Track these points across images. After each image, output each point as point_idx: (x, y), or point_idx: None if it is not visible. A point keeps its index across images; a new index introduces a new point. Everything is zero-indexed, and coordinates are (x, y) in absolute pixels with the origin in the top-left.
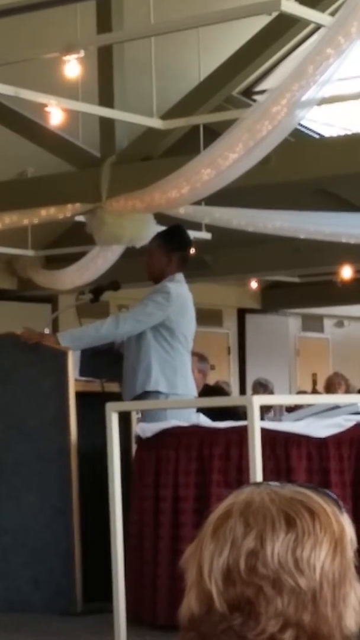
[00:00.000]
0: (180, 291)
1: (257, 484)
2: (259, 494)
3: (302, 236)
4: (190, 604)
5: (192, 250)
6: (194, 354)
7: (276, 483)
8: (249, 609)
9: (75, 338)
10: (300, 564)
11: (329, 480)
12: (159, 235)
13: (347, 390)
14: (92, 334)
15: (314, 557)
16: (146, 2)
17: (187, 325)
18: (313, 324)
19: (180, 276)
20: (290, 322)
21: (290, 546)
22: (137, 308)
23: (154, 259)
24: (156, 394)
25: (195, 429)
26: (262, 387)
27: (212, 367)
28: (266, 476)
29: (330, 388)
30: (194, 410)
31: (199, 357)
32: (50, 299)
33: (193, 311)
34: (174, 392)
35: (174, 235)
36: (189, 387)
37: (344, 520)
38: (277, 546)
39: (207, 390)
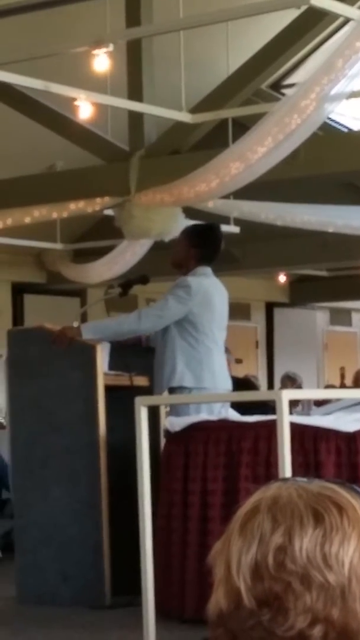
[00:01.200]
0: (202, 284)
1: (284, 480)
2: (287, 490)
3: (330, 230)
4: (218, 600)
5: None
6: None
7: (303, 479)
8: (277, 605)
9: (97, 330)
10: (328, 560)
11: (358, 475)
12: (188, 228)
13: None
14: (114, 328)
15: (343, 552)
16: None
17: (213, 317)
18: (341, 317)
19: (204, 269)
20: (319, 316)
21: (319, 542)
22: (158, 304)
23: (177, 249)
24: (181, 389)
25: (224, 423)
26: (291, 380)
27: (240, 361)
28: (295, 471)
29: (358, 382)
30: (224, 405)
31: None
32: (79, 292)
33: (221, 303)
34: (200, 386)
35: (200, 231)
36: (216, 381)
37: None
38: (305, 542)
39: (235, 384)
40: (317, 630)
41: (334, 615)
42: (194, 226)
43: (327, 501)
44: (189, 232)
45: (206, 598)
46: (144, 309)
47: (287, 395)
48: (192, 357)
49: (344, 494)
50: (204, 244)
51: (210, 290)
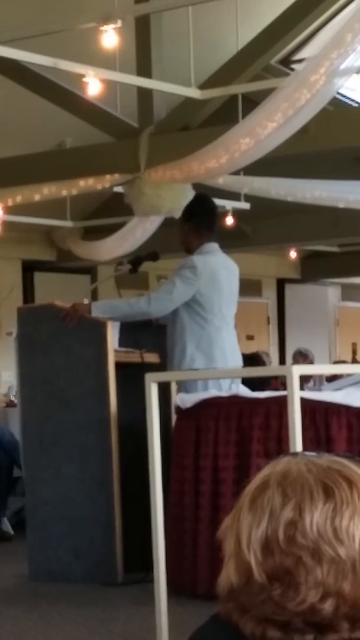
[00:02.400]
0: (208, 262)
1: (294, 455)
2: (296, 464)
3: (341, 205)
4: (229, 575)
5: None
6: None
7: (312, 453)
8: (288, 579)
9: (107, 310)
10: (339, 534)
11: None
12: (185, 210)
13: None
14: (124, 310)
15: (353, 526)
16: None
17: (221, 295)
18: (353, 293)
19: (210, 246)
20: (330, 292)
21: (329, 516)
22: (165, 286)
23: (180, 230)
24: (193, 370)
25: (235, 400)
26: (303, 356)
27: (252, 338)
28: (306, 446)
29: None
30: (234, 381)
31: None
32: (89, 270)
33: (229, 279)
34: (212, 366)
35: (189, 205)
36: (227, 359)
37: None
38: (316, 516)
39: (245, 360)
40: (329, 605)
41: (345, 589)
42: (190, 205)
43: (337, 475)
44: (185, 209)
45: (219, 573)
46: (153, 293)
47: (298, 370)
48: (202, 337)
49: (353, 467)
50: (195, 214)
51: (216, 268)
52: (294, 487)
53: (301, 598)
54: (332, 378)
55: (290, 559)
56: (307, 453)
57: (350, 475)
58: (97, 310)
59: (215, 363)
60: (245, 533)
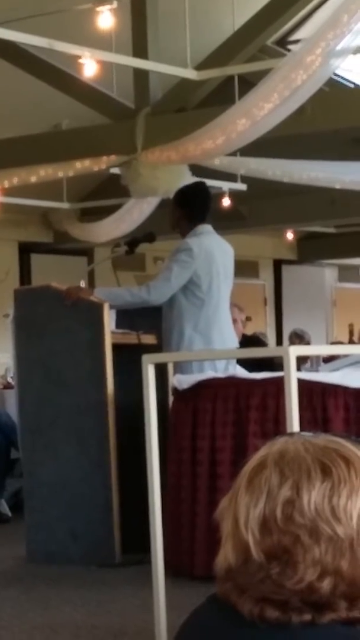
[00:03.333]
0: (203, 244)
1: (291, 434)
2: (293, 444)
3: (337, 186)
4: (227, 555)
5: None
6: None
7: (309, 433)
8: (286, 558)
9: (110, 297)
10: (337, 512)
11: None
12: (175, 195)
13: None
14: (126, 298)
15: (351, 504)
16: None
17: (217, 275)
18: (350, 274)
19: (204, 227)
20: (327, 273)
21: (327, 494)
22: (163, 274)
23: (171, 213)
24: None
25: (232, 381)
26: (299, 337)
27: (249, 319)
28: (303, 427)
29: None
30: (230, 362)
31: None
32: (86, 251)
33: (224, 259)
34: (209, 347)
35: (185, 191)
36: (225, 339)
37: None
38: (314, 495)
39: (244, 341)
40: (327, 583)
41: (343, 567)
42: (180, 188)
43: (334, 454)
44: (175, 194)
45: (216, 555)
46: (152, 282)
47: (295, 351)
48: (199, 319)
49: (350, 447)
50: (189, 202)
51: (211, 249)
52: (292, 467)
53: (299, 577)
54: (329, 359)
55: (288, 537)
56: (304, 433)
57: (347, 454)
58: (100, 295)
59: (213, 344)
60: (243, 513)
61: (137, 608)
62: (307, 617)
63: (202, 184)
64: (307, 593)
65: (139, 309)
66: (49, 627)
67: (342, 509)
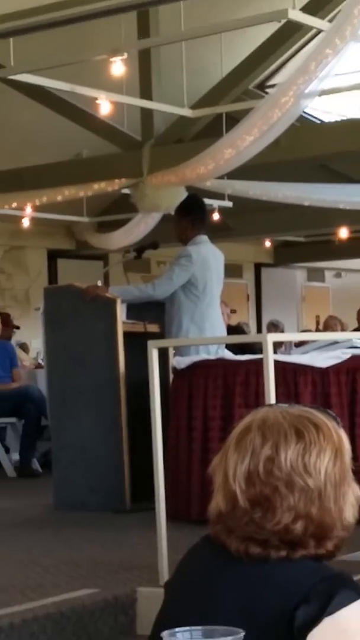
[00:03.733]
0: (200, 251)
1: (270, 405)
2: (273, 412)
3: (306, 203)
4: (218, 502)
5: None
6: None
7: (285, 404)
8: (267, 505)
9: (122, 293)
10: (308, 468)
11: (330, 402)
12: (178, 207)
13: (343, 329)
14: (136, 293)
15: (319, 462)
16: (178, 12)
17: (211, 277)
18: (316, 275)
19: (201, 238)
20: (297, 274)
21: (300, 453)
22: (167, 273)
23: (176, 226)
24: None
25: (221, 362)
26: (274, 326)
27: (234, 311)
28: (278, 399)
29: (327, 328)
30: (220, 347)
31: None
32: (102, 257)
33: (217, 264)
34: (203, 334)
35: (186, 203)
36: (215, 329)
37: (341, 433)
38: (289, 454)
39: (230, 330)
40: (299, 525)
41: (312, 512)
42: (184, 204)
43: (306, 421)
44: (178, 208)
45: (209, 502)
46: (156, 280)
47: (272, 338)
48: (195, 312)
49: (319, 415)
50: (190, 211)
51: (206, 256)
52: (272, 431)
53: (277, 520)
54: (299, 344)
55: (269, 488)
56: (281, 404)
57: (317, 421)
58: (115, 292)
59: (205, 333)
60: (231, 468)
61: (144, 546)
62: (283, 553)
63: (197, 196)
64: (283, 533)
65: (145, 304)
66: (73, 562)
67: (313, 465)
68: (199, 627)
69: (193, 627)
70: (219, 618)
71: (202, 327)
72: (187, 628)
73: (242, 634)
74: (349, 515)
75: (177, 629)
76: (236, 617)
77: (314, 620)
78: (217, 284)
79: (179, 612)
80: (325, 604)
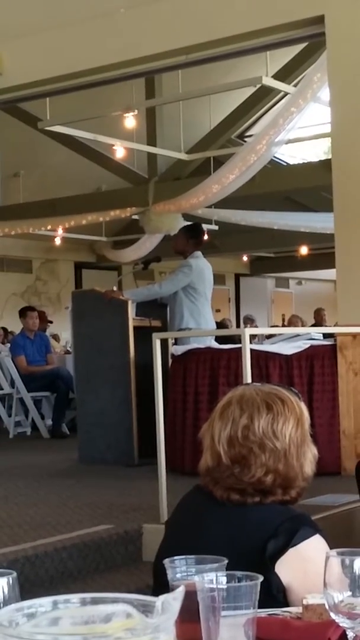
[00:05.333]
0: (198, 263)
1: (247, 384)
2: (249, 390)
3: (275, 227)
4: (206, 460)
5: (206, 237)
6: None
7: (259, 384)
8: (244, 462)
9: (134, 294)
10: (276, 433)
11: (293, 382)
12: (185, 227)
13: (303, 325)
14: (144, 292)
15: (285, 428)
16: (176, 78)
17: (205, 285)
18: (282, 283)
19: (198, 253)
20: (268, 282)
21: (270, 422)
22: (171, 276)
23: (179, 241)
24: (187, 329)
25: (209, 350)
26: (250, 320)
27: (218, 311)
28: (253, 379)
29: (291, 324)
30: (209, 338)
31: None
32: (116, 268)
33: (209, 274)
34: (198, 327)
35: (193, 228)
36: (208, 324)
37: (302, 405)
38: (262, 422)
39: (216, 325)
40: (269, 478)
41: (279, 468)
42: (188, 226)
43: (275, 396)
44: (186, 230)
45: (198, 459)
46: (162, 280)
47: (248, 331)
48: (194, 309)
49: (285, 392)
50: (196, 234)
51: (202, 267)
52: (248, 404)
53: (252, 474)
54: (269, 336)
55: (245, 449)
56: (255, 383)
57: (283, 396)
58: (128, 294)
59: (201, 326)
60: (217, 433)
61: (148, 493)
62: (257, 499)
63: (201, 225)
64: (257, 484)
65: (149, 306)
66: (93, 504)
67: (280, 431)
68: (192, 556)
69: (188, 556)
70: (207, 549)
71: (199, 321)
72: (183, 557)
73: (226, 561)
74: (308, 469)
75: (175, 557)
76: (221, 549)
77: (281, 551)
78: (209, 288)
79: (176, 544)
80: (290, 538)
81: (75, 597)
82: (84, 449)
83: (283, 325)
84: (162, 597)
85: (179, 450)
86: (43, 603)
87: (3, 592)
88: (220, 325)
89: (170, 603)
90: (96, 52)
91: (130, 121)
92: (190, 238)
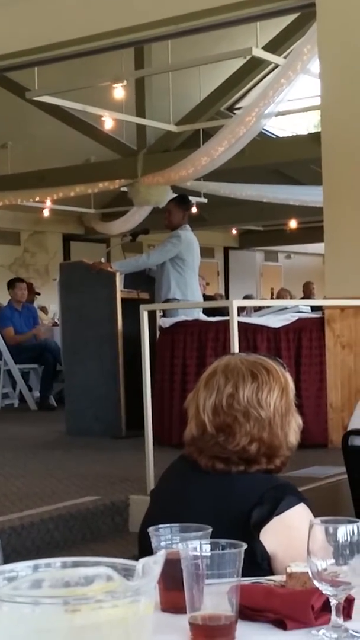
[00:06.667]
0: (187, 235)
1: (232, 354)
2: (234, 359)
3: (264, 200)
4: (191, 429)
5: (194, 210)
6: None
7: (244, 353)
8: (228, 431)
9: (122, 265)
10: (261, 402)
11: (281, 354)
12: (173, 200)
13: (291, 298)
14: (133, 263)
15: (270, 397)
16: (166, 48)
17: (193, 257)
18: (271, 256)
19: (187, 226)
20: (257, 256)
21: (254, 391)
22: (159, 247)
23: (171, 215)
24: (173, 300)
25: (197, 322)
26: (249, 297)
27: (208, 284)
28: (241, 352)
29: (279, 298)
30: (197, 310)
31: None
32: (105, 240)
33: (197, 247)
34: (185, 298)
35: (181, 200)
36: (195, 295)
37: (287, 375)
38: (246, 391)
39: (207, 298)
40: (254, 446)
41: (264, 436)
42: (179, 198)
43: (260, 366)
44: (178, 202)
45: (184, 429)
46: (151, 251)
47: (236, 303)
48: (180, 280)
49: (270, 361)
50: (184, 205)
51: (191, 239)
52: (232, 373)
53: (236, 442)
54: (257, 309)
55: (230, 418)
56: (241, 353)
57: (268, 366)
58: (116, 266)
59: (187, 297)
60: (202, 402)
61: (135, 464)
62: (241, 468)
63: (186, 195)
64: (241, 453)
65: (137, 279)
66: (81, 475)
67: (264, 400)
68: (177, 524)
69: (172, 524)
70: (192, 518)
71: (185, 292)
72: (168, 525)
73: (210, 529)
74: (293, 438)
75: (159, 526)
76: (206, 517)
77: (266, 519)
78: (195, 261)
79: (161, 513)
80: (274, 507)
81: (56, 561)
82: (71, 420)
83: (272, 298)
84: (142, 561)
85: (167, 422)
86: (24, 567)
87: None
88: (212, 298)
89: (151, 566)
90: (85, 20)
91: (119, 92)
92: (185, 210)
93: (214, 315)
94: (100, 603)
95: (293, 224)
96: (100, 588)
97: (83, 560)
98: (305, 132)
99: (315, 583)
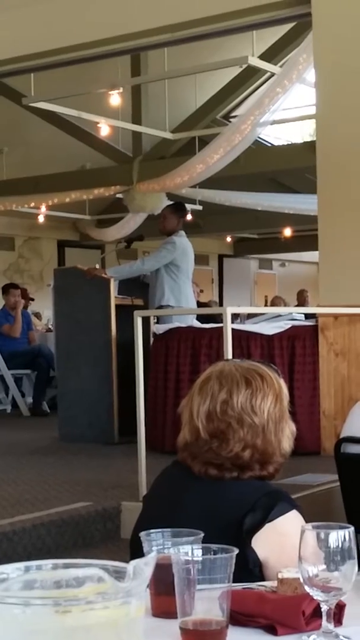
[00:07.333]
0: (182, 242)
1: (226, 360)
2: (228, 365)
3: (259, 208)
4: (185, 435)
5: (189, 217)
6: (194, 282)
7: (238, 359)
8: (222, 437)
9: (117, 272)
10: (255, 408)
11: (274, 361)
12: (169, 206)
13: (285, 306)
14: (127, 269)
15: (263, 404)
16: (162, 56)
17: (188, 263)
18: (265, 264)
19: (182, 232)
20: (251, 263)
21: (248, 397)
22: (154, 253)
23: (165, 220)
24: (167, 307)
25: (191, 328)
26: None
27: (202, 291)
28: (235, 359)
29: (273, 306)
30: (192, 316)
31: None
32: (100, 246)
33: (192, 254)
34: (179, 305)
35: (177, 207)
36: (189, 302)
37: (281, 381)
38: (240, 397)
39: (201, 305)
40: (247, 453)
41: (257, 443)
42: (174, 205)
43: (254, 372)
44: (174, 209)
45: (177, 435)
46: (145, 257)
47: (230, 310)
48: (174, 286)
49: (264, 368)
50: (183, 213)
51: (186, 245)
52: (227, 379)
53: (230, 448)
54: (251, 316)
55: (224, 424)
56: (235, 359)
57: (262, 372)
58: (111, 272)
59: (181, 303)
60: (195, 408)
61: (128, 470)
62: (235, 474)
63: (182, 202)
64: (234, 459)
65: (133, 285)
66: (73, 481)
67: (258, 407)
68: (169, 529)
69: (164, 529)
70: (185, 523)
71: (179, 298)
72: (159, 530)
73: (202, 534)
74: (286, 445)
75: (151, 530)
76: (198, 523)
77: (258, 526)
78: (190, 268)
79: (153, 519)
80: (267, 513)
81: (47, 563)
82: (64, 426)
83: (265, 306)
84: (133, 562)
85: (160, 429)
86: (15, 569)
87: None
88: (206, 305)
89: (142, 568)
90: (82, 28)
91: (115, 99)
92: (180, 217)
93: (207, 322)
94: (91, 604)
95: (288, 232)
96: (92, 589)
97: (74, 562)
98: (300, 141)
99: (307, 589)
